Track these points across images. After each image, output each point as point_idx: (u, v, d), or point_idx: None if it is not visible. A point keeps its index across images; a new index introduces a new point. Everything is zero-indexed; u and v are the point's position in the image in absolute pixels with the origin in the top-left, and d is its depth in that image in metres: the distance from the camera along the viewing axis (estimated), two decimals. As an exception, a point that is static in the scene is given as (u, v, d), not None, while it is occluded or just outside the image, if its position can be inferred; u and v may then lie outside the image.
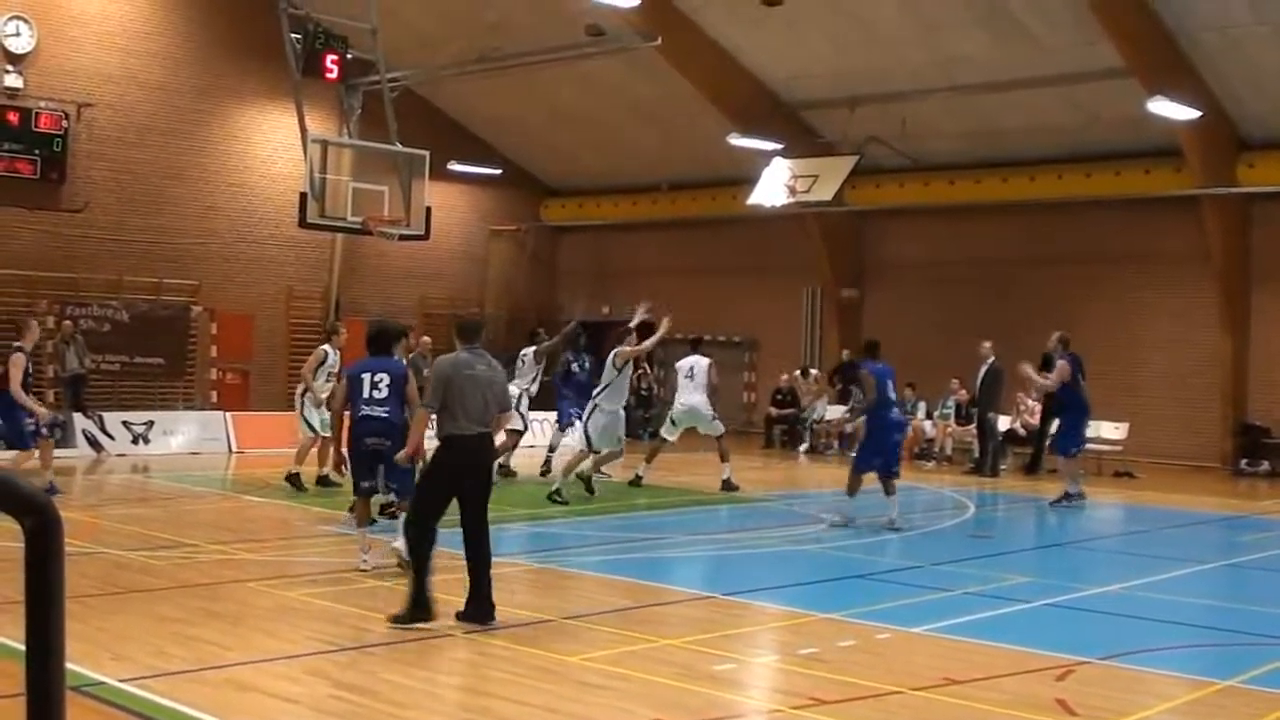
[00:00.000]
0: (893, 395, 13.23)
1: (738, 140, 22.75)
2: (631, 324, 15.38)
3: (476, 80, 23.68)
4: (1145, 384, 22.15)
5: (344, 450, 10.08)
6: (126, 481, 16.66)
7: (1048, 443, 18.48)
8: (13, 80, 21.09)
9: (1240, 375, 21.53)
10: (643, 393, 24.00)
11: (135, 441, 19.68)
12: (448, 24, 22.64)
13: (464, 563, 8.00)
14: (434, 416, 8.22)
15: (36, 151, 21.12)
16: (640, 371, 22.01)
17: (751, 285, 27.19)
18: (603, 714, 6.08)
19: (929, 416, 22.02)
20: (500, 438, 16.51)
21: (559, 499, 14.10)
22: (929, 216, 24.73)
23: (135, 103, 22.82)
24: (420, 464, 9.15)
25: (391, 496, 10.38)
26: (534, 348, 16.58)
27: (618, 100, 24.91)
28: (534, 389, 16.52)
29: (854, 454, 13.79)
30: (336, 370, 15.12)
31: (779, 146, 22.75)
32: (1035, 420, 19.87)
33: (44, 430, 13.87)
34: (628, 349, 14.91)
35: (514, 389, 16.58)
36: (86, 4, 22.13)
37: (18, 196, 21.10)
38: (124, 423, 19.78)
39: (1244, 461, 21.00)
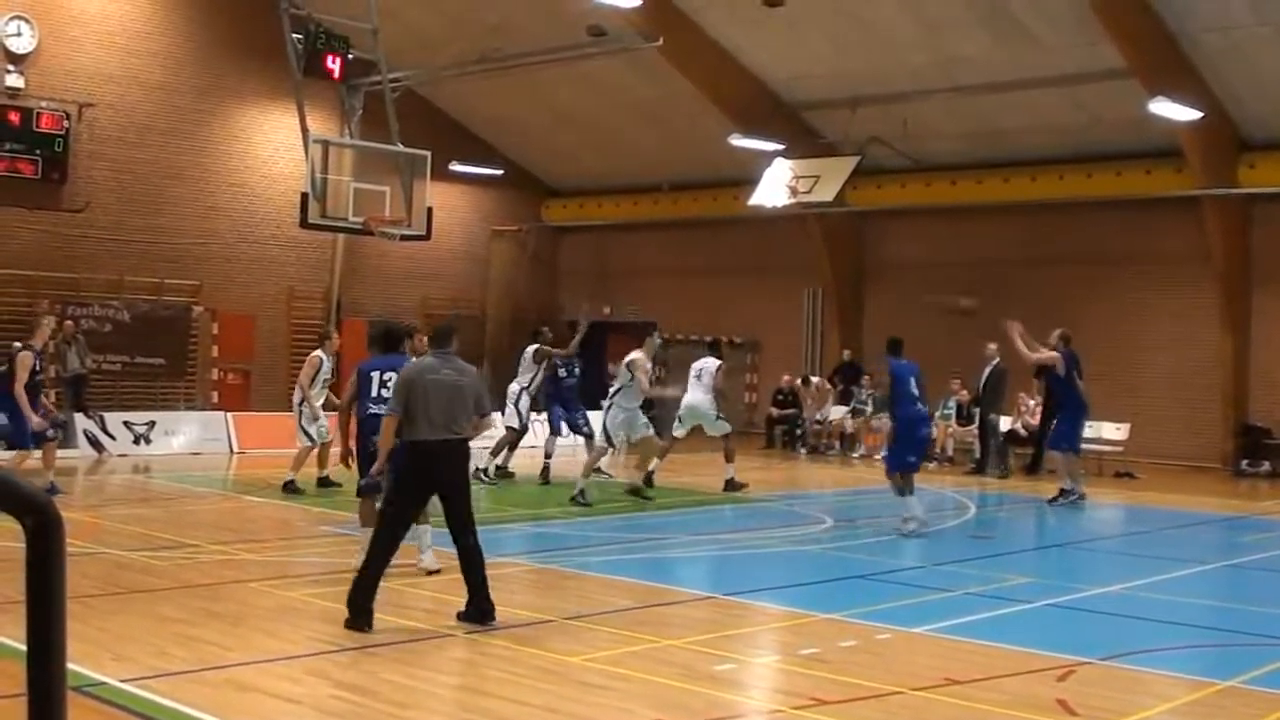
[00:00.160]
0: (916, 391, 13.16)
1: (739, 141, 22.75)
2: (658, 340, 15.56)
3: (478, 81, 23.69)
4: (1146, 384, 22.15)
5: (351, 444, 10.08)
6: (128, 482, 16.67)
7: (1046, 442, 18.52)
8: (14, 80, 21.09)
9: (1241, 376, 21.52)
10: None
11: (136, 442, 19.69)
12: (449, 24, 22.65)
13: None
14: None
15: (37, 151, 21.12)
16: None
17: (752, 286, 27.19)
18: (603, 714, 6.08)
19: (929, 417, 22.02)
20: (498, 439, 16.65)
21: (582, 500, 14.08)
22: (930, 217, 24.74)
23: (136, 103, 22.83)
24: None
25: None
26: (535, 346, 16.59)
27: (619, 101, 24.92)
28: (534, 388, 16.52)
29: (883, 458, 13.55)
30: (330, 378, 15.19)
31: (780, 147, 22.75)
32: (1036, 420, 19.87)
33: (49, 432, 13.87)
34: (644, 359, 14.90)
35: (514, 386, 16.62)
36: (87, 4, 22.14)
37: (19, 196, 21.11)
38: (125, 423, 19.80)
39: (1245, 462, 21.00)
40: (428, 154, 18.44)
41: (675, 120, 24.73)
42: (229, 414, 21.36)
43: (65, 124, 21.50)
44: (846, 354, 25.16)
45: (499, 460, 16.59)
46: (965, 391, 21.10)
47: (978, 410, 20.23)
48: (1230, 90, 19.55)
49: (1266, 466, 20.78)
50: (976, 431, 20.22)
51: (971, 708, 6.24)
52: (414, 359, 9.52)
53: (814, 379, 24.35)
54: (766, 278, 26.99)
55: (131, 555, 10.20)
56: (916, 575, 10.59)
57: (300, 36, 17.49)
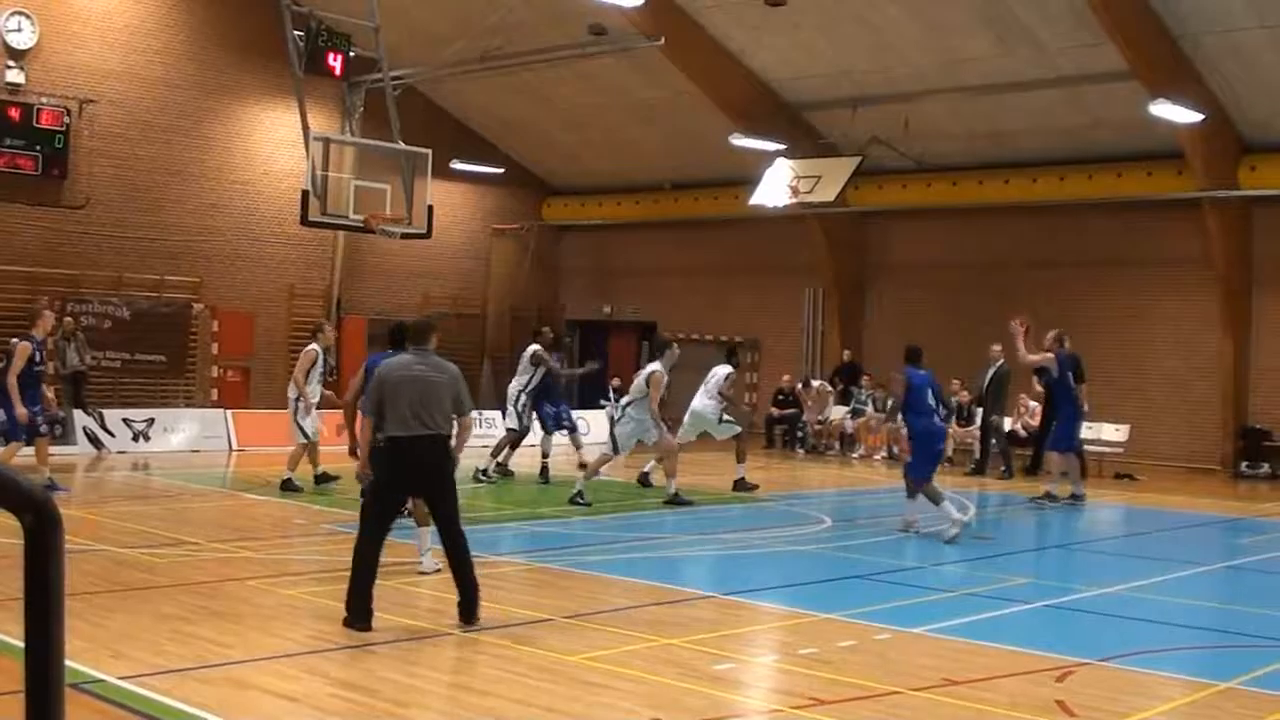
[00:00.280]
0: (932, 403, 13.02)
1: (740, 140, 22.74)
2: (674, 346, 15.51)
3: (479, 79, 23.69)
4: (1146, 386, 22.15)
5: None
6: (127, 479, 16.66)
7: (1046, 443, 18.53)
8: (14, 76, 21.07)
9: (1241, 378, 21.52)
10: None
11: (136, 439, 19.68)
12: (451, 23, 22.64)
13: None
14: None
15: (38, 147, 21.11)
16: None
17: (753, 286, 27.18)
18: (603, 713, 6.08)
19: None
20: (498, 438, 16.62)
21: (581, 500, 14.08)
22: (931, 218, 24.74)
23: (137, 99, 22.81)
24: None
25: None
26: (534, 346, 16.57)
27: (620, 100, 24.91)
28: (532, 390, 16.48)
29: (905, 470, 13.37)
30: (326, 372, 15.17)
31: (781, 147, 22.74)
32: (1035, 422, 19.87)
33: (42, 428, 13.83)
34: (663, 375, 14.79)
35: (513, 388, 16.62)
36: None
37: (19, 193, 21.11)
38: (124, 420, 19.79)
39: (1245, 464, 21.00)
40: (428, 152, 18.42)
41: (676, 120, 24.73)
42: (228, 411, 21.35)
43: (66, 120, 21.48)
44: (847, 354, 25.16)
45: (500, 459, 16.59)
46: (965, 392, 21.09)
47: (979, 411, 20.23)
48: (1231, 92, 19.54)
49: (1266, 468, 20.78)
50: (977, 432, 20.22)
51: (970, 708, 6.24)
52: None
53: (814, 382, 24.26)
54: (767, 278, 26.98)
55: (130, 552, 10.20)
56: (916, 575, 10.60)
57: (302, 34, 17.51)
